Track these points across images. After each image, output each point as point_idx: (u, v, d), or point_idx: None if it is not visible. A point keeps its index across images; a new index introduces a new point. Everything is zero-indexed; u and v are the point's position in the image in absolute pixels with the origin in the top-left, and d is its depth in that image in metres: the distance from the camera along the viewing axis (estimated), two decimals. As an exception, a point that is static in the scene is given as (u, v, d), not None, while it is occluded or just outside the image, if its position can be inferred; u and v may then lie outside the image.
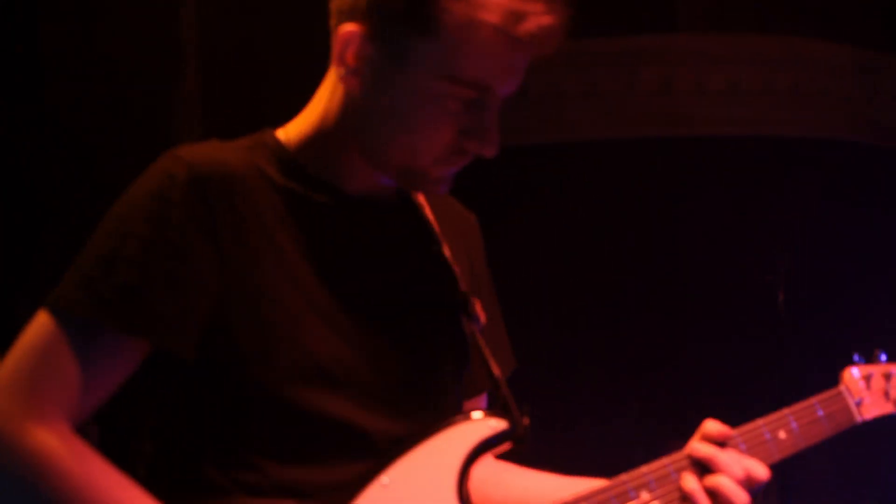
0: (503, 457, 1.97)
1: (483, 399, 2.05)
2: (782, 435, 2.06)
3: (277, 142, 1.87)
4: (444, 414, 1.85)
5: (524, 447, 1.87)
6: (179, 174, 1.72)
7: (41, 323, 1.70)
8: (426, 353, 1.89)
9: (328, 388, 1.76)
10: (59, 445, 1.64)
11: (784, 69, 6.40)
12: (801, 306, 6.41)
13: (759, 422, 2.06)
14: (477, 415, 1.86)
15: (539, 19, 1.73)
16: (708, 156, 6.26)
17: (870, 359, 2.32)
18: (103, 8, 5.93)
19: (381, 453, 1.78)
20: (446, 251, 1.94)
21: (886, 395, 2.27)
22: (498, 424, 1.86)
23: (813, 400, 2.14)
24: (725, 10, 6.63)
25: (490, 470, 2.05)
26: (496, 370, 1.91)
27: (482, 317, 1.94)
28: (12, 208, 5.86)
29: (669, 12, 6.68)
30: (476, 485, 1.89)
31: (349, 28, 1.77)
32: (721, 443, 1.98)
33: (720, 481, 1.93)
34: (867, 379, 2.26)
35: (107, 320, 1.66)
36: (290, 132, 1.87)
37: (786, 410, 2.09)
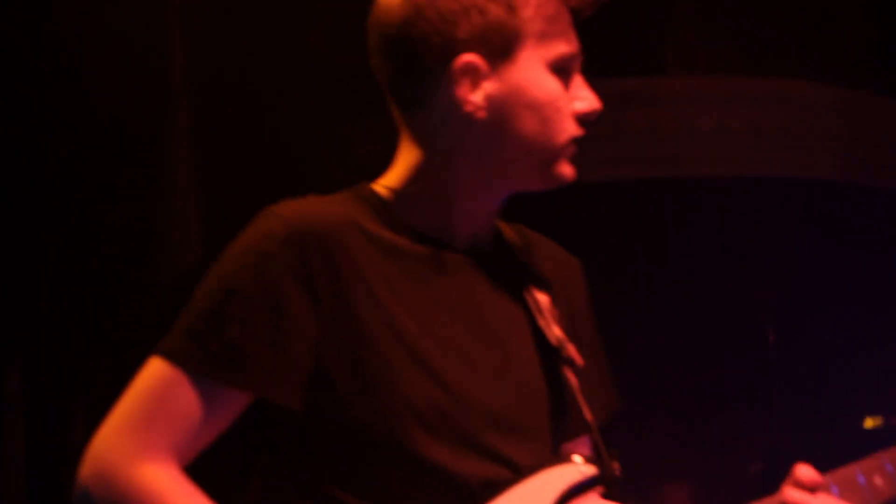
0: None
1: (582, 442, 2.04)
2: (878, 481, 2.02)
3: (375, 194, 1.93)
4: (538, 458, 1.88)
5: (615, 494, 1.89)
6: (277, 230, 1.81)
7: (155, 369, 1.79)
8: (522, 398, 1.93)
9: (424, 433, 1.81)
10: (169, 480, 1.75)
11: (771, 109, 6.42)
12: (790, 344, 6.41)
13: (853, 466, 2.02)
14: (568, 459, 1.89)
15: None
16: (696, 196, 6.27)
17: None
18: (93, 43, 5.94)
19: (475, 498, 1.82)
20: (545, 296, 1.98)
21: None
22: (587, 470, 1.88)
23: None
24: (712, 51, 6.67)
25: None
26: (589, 416, 1.93)
27: (579, 360, 1.96)
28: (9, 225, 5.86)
29: (657, 54, 6.71)
30: None
31: (469, 59, 1.83)
32: (812, 489, 1.97)
33: None
34: None
35: (215, 374, 1.77)
36: (388, 184, 1.93)
37: (881, 454, 2.05)
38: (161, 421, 1.77)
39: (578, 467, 1.87)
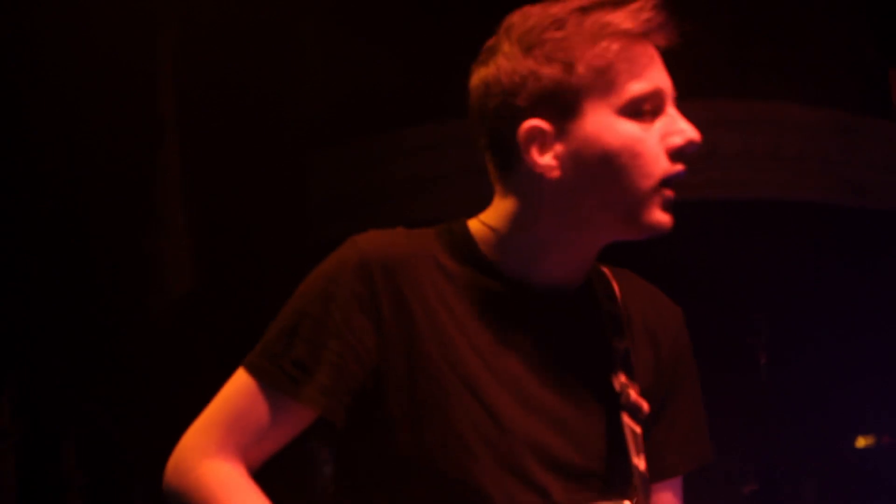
0: None
1: (670, 483, 2.04)
2: None
3: (465, 231, 1.97)
4: (577, 497, 1.91)
5: None
6: (351, 258, 1.92)
7: (240, 380, 1.94)
8: (574, 440, 1.94)
9: (468, 463, 1.87)
10: (232, 473, 1.89)
11: (763, 132, 6.45)
12: (782, 365, 6.43)
13: None
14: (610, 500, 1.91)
15: (637, 5, 1.87)
16: (688, 219, 6.28)
17: None
18: (86, 75, 5.97)
19: None
20: (622, 343, 1.98)
21: None
22: None
23: None
24: (703, 75, 6.70)
25: None
26: (640, 465, 1.93)
27: (643, 406, 1.95)
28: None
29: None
30: None
31: (531, 124, 1.86)
32: None
33: None
34: None
35: (283, 389, 1.90)
36: (482, 224, 1.96)
37: None
38: (235, 425, 1.91)
39: None
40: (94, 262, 6.18)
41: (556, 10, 1.87)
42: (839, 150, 6.54)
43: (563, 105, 1.86)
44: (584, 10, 1.86)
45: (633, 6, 1.86)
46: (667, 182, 1.88)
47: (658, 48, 1.89)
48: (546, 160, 1.87)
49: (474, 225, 1.96)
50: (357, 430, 1.91)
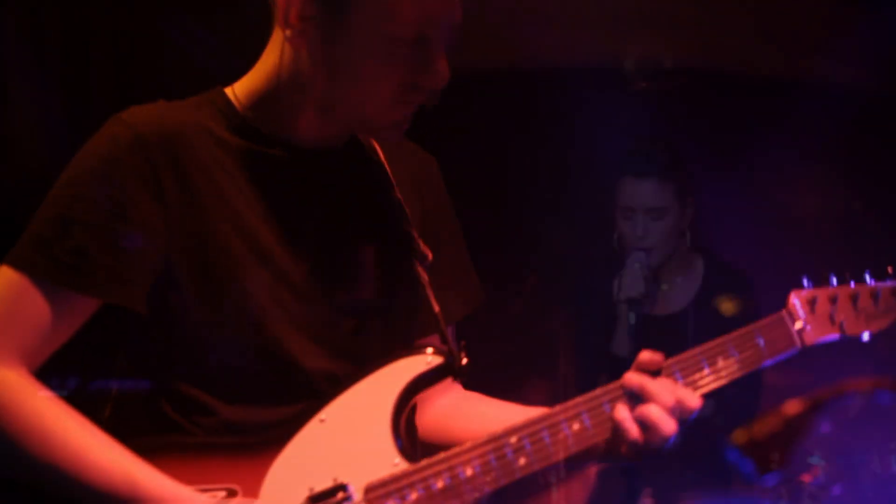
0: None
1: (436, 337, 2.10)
2: (720, 363, 2.06)
3: (226, 99, 1.95)
4: (385, 352, 1.94)
5: (464, 381, 1.93)
6: (124, 136, 1.82)
7: (6, 278, 1.82)
8: (371, 292, 1.97)
9: (269, 330, 1.86)
10: (16, 380, 1.79)
11: None
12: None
13: (696, 350, 2.06)
14: (415, 350, 1.95)
15: None
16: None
17: (819, 282, 2.26)
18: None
19: (320, 392, 1.88)
20: (397, 194, 2.00)
21: (832, 319, 2.21)
22: (434, 360, 1.94)
23: (753, 326, 2.12)
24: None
25: (453, 398, 2.11)
26: (436, 307, 1.98)
27: (428, 254, 2.00)
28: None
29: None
30: (438, 413, 1.97)
31: None
32: (655, 372, 2.00)
33: (649, 409, 1.96)
34: (811, 303, 2.20)
35: (60, 280, 1.80)
36: (239, 90, 1.97)
37: (724, 338, 2.09)
38: (9, 327, 1.80)
39: (425, 358, 1.94)
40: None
41: None
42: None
43: None
44: None
45: None
46: (402, 101, 1.87)
47: None
48: (293, 27, 1.85)
49: (231, 94, 1.95)
50: (151, 318, 1.84)
